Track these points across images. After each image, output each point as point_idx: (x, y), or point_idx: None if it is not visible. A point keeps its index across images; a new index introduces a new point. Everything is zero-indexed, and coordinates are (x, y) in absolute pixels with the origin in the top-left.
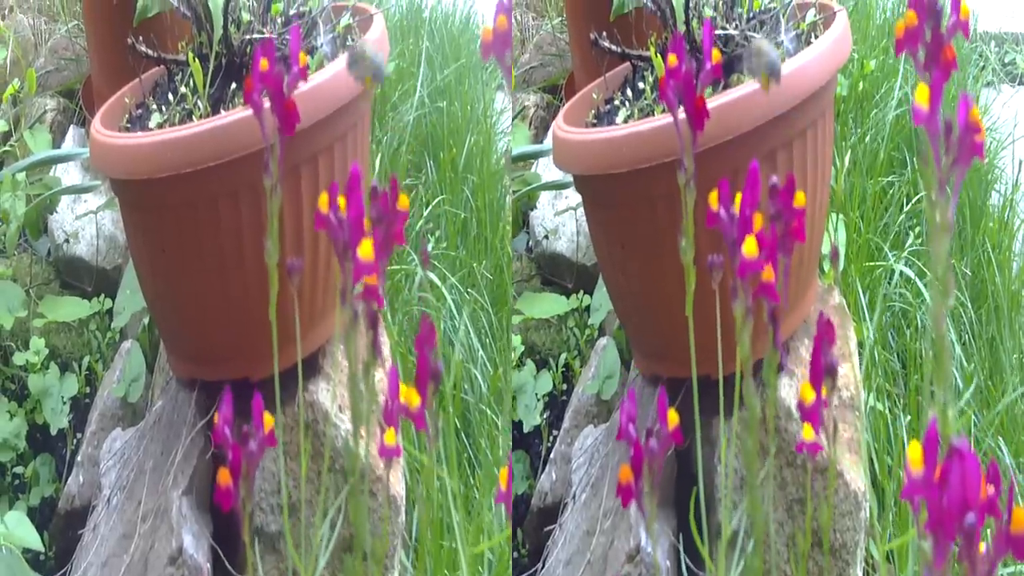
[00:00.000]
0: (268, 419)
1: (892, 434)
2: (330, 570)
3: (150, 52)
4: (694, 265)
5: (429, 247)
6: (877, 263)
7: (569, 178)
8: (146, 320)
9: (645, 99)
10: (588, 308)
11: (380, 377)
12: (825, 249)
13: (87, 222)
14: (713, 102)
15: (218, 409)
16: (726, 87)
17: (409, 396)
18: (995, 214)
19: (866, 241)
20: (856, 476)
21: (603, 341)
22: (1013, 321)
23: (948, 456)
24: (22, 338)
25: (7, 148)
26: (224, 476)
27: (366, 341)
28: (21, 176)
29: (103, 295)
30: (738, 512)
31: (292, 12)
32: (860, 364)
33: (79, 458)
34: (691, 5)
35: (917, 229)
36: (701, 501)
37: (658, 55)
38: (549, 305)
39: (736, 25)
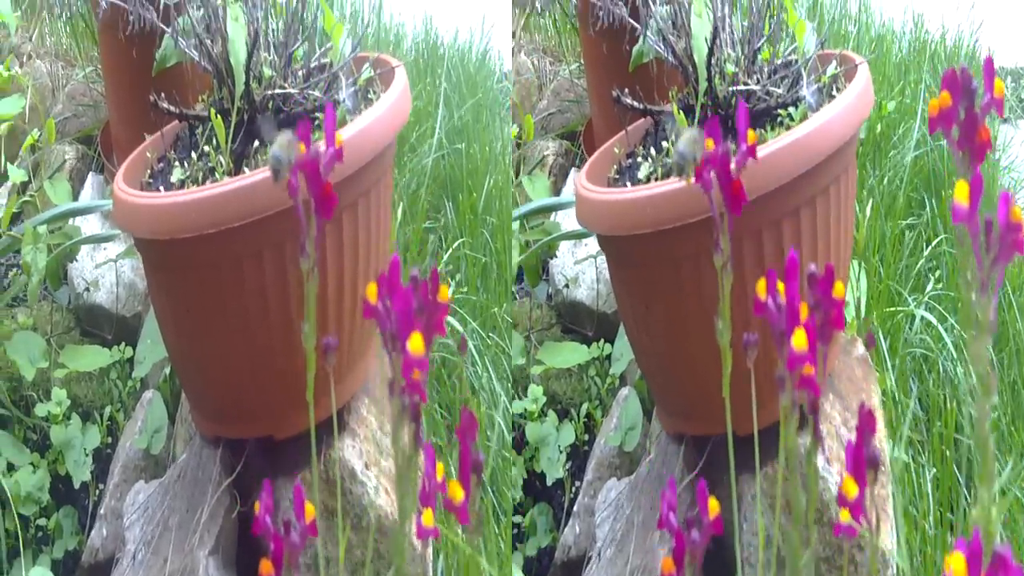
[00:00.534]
0: (310, 509)
1: (916, 484)
2: None
3: (172, 108)
4: (730, 347)
5: (450, 292)
6: (898, 308)
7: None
8: (167, 370)
9: (668, 156)
10: (609, 357)
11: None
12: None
13: (107, 270)
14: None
15: (259, 498)
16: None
17: (453, 491)
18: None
19: (886, 287)
20: (885, 535)
21: (625, 391)
22: None
23: (992, 566)
24: (43, 387)
25: (27, 198)
26: (266, 567)
27: (409, 432)
28: (43, 228)
29: (123, 343)
30: None
31: (313, 64)
32: (883, 413)
33: (102, 510)
34: (712, 61)
35: (937, 273)
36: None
37: (680, 111)
38: (570, 355)
39: (757, 79)
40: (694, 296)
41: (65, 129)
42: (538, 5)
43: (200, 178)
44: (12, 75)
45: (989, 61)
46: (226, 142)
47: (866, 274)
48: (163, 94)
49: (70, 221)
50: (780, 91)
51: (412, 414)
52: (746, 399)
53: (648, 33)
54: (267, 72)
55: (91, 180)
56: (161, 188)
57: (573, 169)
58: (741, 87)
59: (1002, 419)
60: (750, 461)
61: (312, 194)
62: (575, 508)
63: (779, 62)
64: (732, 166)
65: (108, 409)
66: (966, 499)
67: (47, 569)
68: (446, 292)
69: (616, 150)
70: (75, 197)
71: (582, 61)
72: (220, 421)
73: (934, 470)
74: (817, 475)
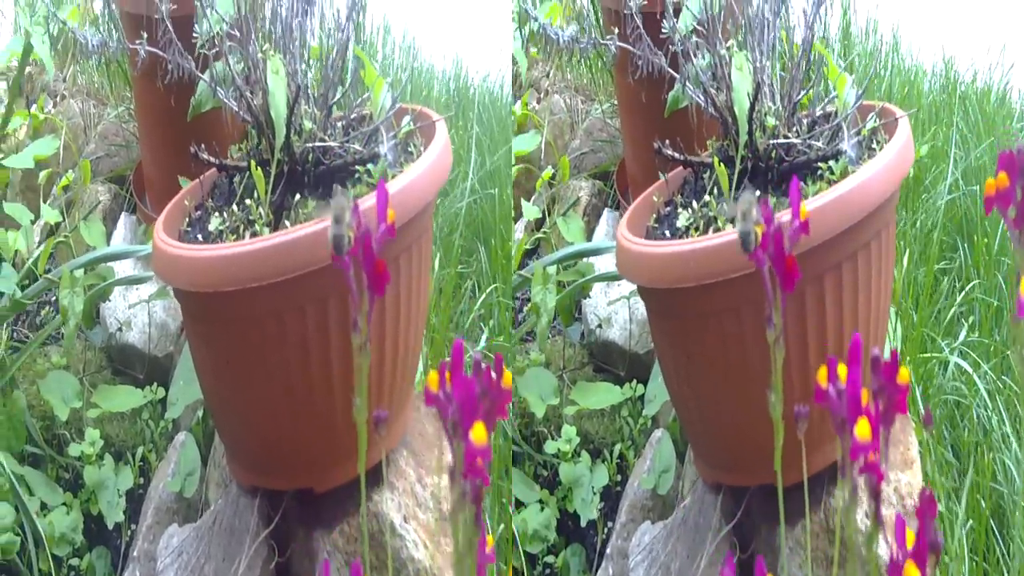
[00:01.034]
0: None
1: (949, 531)
2: None
3: (212, 159)
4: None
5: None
6: (931, 355)
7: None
8: (200, 413)
9: (709, 210)
10: (642, 398)
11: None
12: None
13: (139, 310)
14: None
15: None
16: (786, 192)
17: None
18: None
19: (920, 333)
20: None
21: (658, 434)
22: None
23: None
24: (75, 426)
25: (61, 239)
26: None
27: (467, 515)
28: (79, 273)
29: (155, 384)
30: None
31: (352, 116)
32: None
33: (135, 552)
34: (753, 115)
35: (971, 319)
36: None
37: (721, 163)
38: (603, 395)
39: (796, 131)
40: (736, 349)
41: (97, 168)
42: (576, 49)
43: (239, 229)
44: (47, 117)
45: None
46: (266, 194)
47: (899, 320)
48: (202, 144)
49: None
50: (820, 144)
51: (473, 496)
52: (787, 453)
53: (687, 83)
54: (307, 125)
55: (123, 220)
56: (199, 237)
57: (606, 210)
58: (781, 140)
59: None
60: (786, 514)
61: (365, 271)
62: (608, 550)
63: (819, 114)
64: (786, 242)
65: (140, 450)
66: (999, 547)
67: None
68: (510, 378)
69: (655, 199)
70: (108, 237)
71: (615, 102)
72: (259, 472)
73: (970, 522)
74: (877, 563)
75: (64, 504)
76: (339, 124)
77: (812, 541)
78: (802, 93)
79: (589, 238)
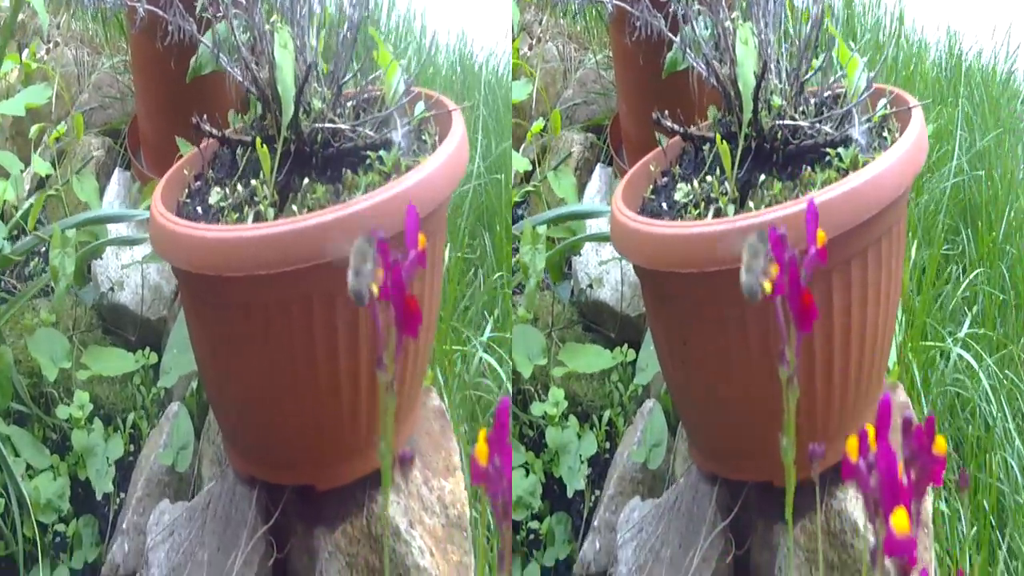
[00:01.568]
0: None
1: (949, 529)
2: None
3: (215, 132)
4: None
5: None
6: (933, 343)
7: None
8: (194, 384)
9: (711, 189)
10: (633, 363)
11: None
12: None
13: (132, 271)
14: (787, 210)
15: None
16: (792, 176)
17: None
18: None
19: (923, 321)
20: None
21: (649, 404)
22: None
23: None
24: (64, 385)
25: (52, 192)
26: None
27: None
28: (71, 232)
29: (147, 348)
30: None
31: (364, 96)
32: None
33: (124, 524)
34: (759, 93)
35: (975, 308)
36: None
37: (723, 141)
38: (593, 359)
39: (803, 112)
40: (737, 338)
41: (91, 120)
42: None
43: (242, 208)
44: (39, 65)
45: None
46: (271, 172)
47: (901, 308)
48: (203, 114)
49: None
50: (828, 129)
51: None
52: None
53: (688, 49)
54: (316, 104)
55: (117, 176)
56: (198, 209)
57: (599, 165)
58: (788, 121)
59: None
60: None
61: (395, 309)
62: (595, 523)
63: (827, 95)
64: (801, 275)
65: (131, 416)
66: (1000, 542)
67: None
68: (943, 443)
69: (652, 167)
70: (101, 191)
71: (610, 53)
72: (258, 463)
73: (975, 526)
74: (852, 529)
75: (51, 467)
76: (348, 104)
77: (813, 543)
78: (811, 74)
79: (581, 194)
